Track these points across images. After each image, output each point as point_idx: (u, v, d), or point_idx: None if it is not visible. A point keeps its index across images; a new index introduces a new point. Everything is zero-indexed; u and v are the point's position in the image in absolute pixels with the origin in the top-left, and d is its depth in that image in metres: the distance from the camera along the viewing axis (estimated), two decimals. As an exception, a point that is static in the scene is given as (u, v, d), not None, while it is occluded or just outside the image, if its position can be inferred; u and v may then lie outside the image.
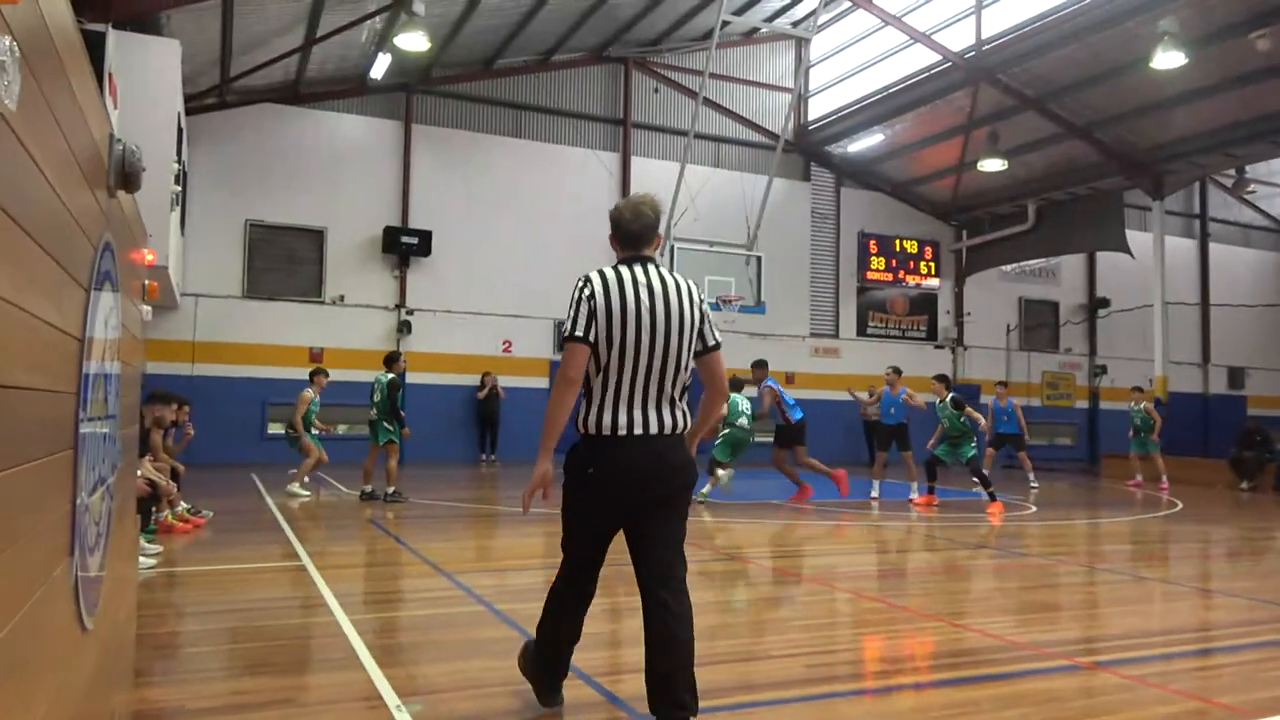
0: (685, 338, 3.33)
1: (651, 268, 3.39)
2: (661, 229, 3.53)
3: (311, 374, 12.14)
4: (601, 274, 3.35)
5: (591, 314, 3.27)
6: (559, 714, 3.54)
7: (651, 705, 3.17)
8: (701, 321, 3.39)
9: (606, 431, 3.26)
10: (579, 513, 3.39)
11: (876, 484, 12.65)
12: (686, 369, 3.37)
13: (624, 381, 3.27)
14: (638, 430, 3.26)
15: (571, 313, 3.30)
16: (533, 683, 3.60)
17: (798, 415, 12.15)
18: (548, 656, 3.52)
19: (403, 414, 11.27)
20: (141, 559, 5.92)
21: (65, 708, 1.62)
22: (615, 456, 3.26)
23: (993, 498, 11.26)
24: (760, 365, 12.29)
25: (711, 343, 3.43)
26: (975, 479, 11.99)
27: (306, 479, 11.87)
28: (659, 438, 3.29)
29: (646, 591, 3.27)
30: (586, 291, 3.30)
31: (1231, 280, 25.63)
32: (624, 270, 3.36)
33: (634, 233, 3.43)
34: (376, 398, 11.08)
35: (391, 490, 10.90)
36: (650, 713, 3.17)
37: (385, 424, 11.06)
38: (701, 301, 3.43)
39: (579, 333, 3.25)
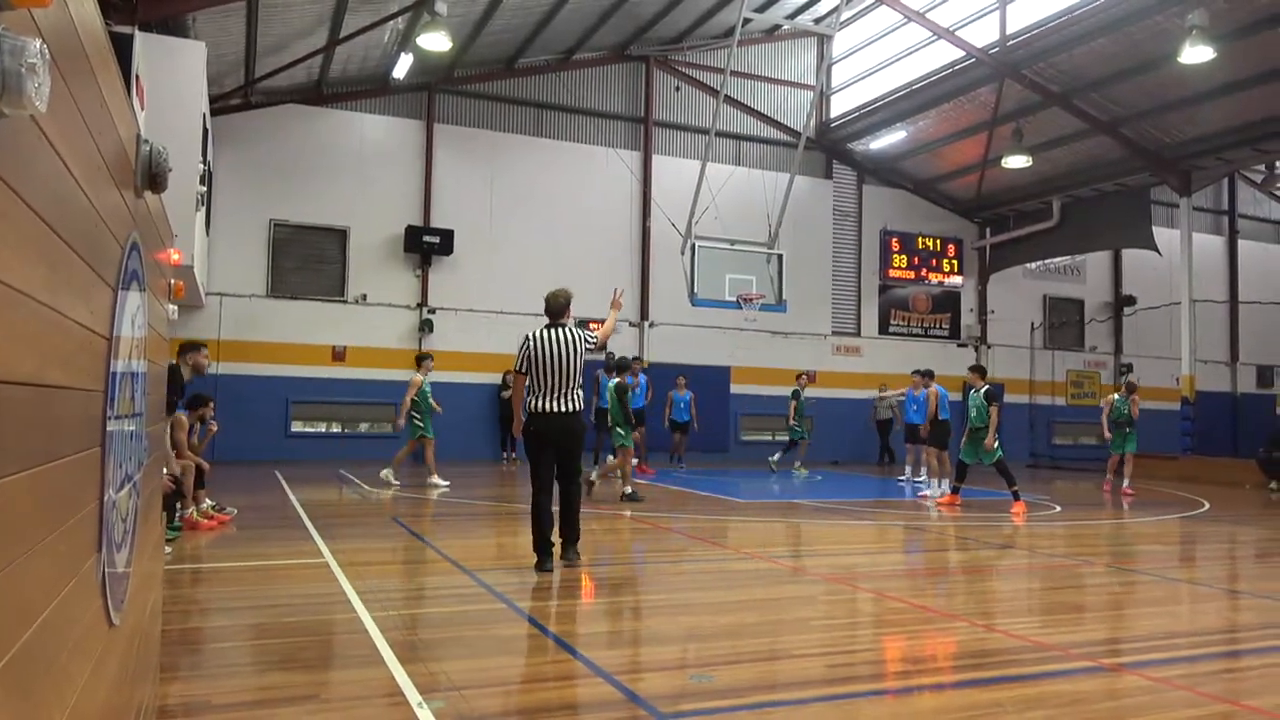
0: (575, 363, 6.61)
1: (560, 329, 6.70)
2: (573, 308, 6.85)
3: (418, 359, 12.45)
4: (534, 334, 6.69)
5: (526, 358, 6.67)
6: (577, 709, 3.54)
7: (559, 546, 6.63)
8: (582, 346, 6.64)
9: (535, 410, 6.59)
10: (528, 450, 6.66)
11: (935, 482, 13.01)
12: (577, 377, 6.61)
13: (543, 387, 6.58)
14: (551, 410, 6.55)
15: (518, 354, 6.74)
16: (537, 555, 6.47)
17: (637, 404, 14.77)
18: (536, 535, 6.48)
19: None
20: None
21: (94, 701, 1.64)
22: (540, 423, 6.56)
23: (1016, 497, 11.16)
24: (635, 359, 15.43)
25: (592, 344, 6.77)
26: (1002, 478, 11.88)
27: (395, 469, 12.26)
28: (562, 414, 6.56)
29: (560, 485, 6.69)
30: (524, 345, 6.70)
31: (1261, 277, 25.27)
32: (546, 331, 6.69)
33: (553, 310, 6.78)
34: (608, 402, 11.16)
35: (630, 490, 11.02)
36: (560, 552, 6.62)
37: (619, 429, 11.08)
38: (583, 338, 6.69)
39: (518, 368, 6.77)
